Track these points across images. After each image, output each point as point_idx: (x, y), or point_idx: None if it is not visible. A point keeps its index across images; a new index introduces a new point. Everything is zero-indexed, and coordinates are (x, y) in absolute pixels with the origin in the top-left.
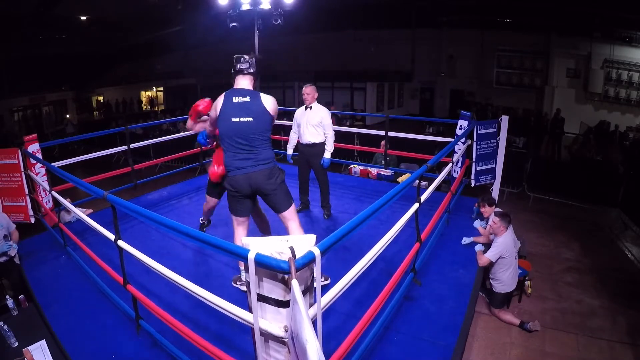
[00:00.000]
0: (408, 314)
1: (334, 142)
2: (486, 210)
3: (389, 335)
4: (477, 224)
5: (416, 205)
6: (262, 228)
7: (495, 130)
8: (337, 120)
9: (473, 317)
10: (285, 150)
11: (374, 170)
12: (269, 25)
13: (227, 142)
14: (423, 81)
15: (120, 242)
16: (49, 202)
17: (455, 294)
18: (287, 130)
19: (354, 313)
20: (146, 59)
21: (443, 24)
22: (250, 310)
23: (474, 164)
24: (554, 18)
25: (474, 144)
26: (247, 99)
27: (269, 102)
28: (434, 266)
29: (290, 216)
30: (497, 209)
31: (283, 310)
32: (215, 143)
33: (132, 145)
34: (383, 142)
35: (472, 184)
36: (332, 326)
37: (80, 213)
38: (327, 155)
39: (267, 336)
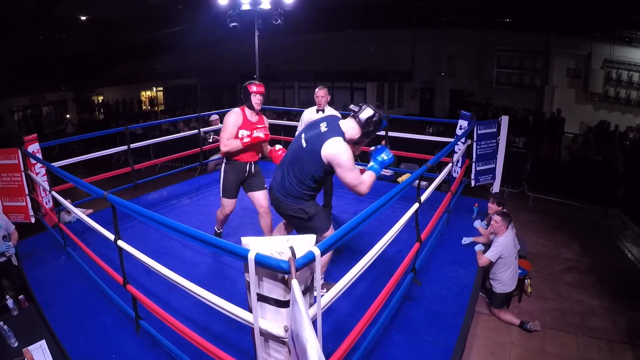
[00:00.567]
0: (408, 314)
1: None
2: (492, 207)
3: (389, 335)
4: (477, 224)
5: (416, 205)
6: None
7: (495, 130)
8: None
9: (473, 317)
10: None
11: None
12: (269, 25)
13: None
14: (423, 81)
15: (120, 242)
16: (49, 202)
17: (455, 294)
18: (287, 130)
19: (354, 313)
20: (146, 59)
21: (443, 24)
22: (250, 310)
23: (474, 164)
24: (554, 18)
25: (474, 144)
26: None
27: (327, 146)
28: (434, 266)
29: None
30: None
31: (283, 310)
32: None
33: (132, 145)
34: (383, 142)
35: (472, 184)
36: (332, 326)
37: (80, 213)
38: None
39: (267, 336)
